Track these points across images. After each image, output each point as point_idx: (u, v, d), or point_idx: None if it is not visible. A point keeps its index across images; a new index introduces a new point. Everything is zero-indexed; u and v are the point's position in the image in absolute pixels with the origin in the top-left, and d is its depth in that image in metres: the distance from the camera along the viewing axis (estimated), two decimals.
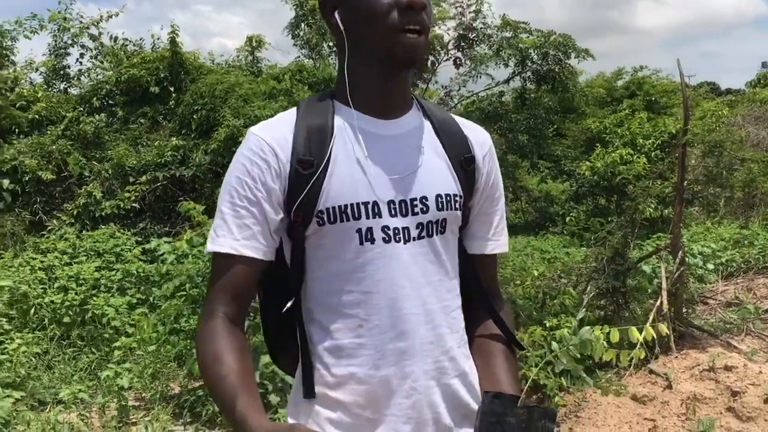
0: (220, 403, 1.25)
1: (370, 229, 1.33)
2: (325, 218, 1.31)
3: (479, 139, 1.50)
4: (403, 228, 1.35)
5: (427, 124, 1.44)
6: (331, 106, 1.39)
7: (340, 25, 1.35)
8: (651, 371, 4.95)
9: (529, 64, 13.21)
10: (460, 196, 1.43)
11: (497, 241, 1.54)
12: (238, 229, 1.32)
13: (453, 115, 1.52)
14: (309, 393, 1.37)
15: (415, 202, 1.36)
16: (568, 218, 12.18)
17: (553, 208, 14.35)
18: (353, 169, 1.33)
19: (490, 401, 1.25)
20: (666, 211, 10.43)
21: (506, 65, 13.08)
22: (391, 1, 1.29)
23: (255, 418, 1.15)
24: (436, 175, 1.40)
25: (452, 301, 1.45)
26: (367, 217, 1.32)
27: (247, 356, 1.31)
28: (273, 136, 1.34)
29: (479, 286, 1.52)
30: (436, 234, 1.40)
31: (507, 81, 13.92)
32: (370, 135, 1.36)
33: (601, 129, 15.20)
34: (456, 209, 1.42)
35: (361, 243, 1.33)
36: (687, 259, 7.34)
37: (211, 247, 1.34)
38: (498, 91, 14.14)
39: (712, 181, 5.59)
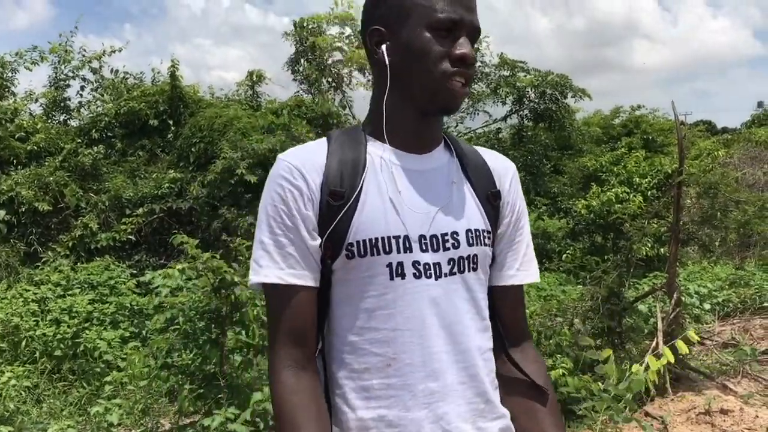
0: None
1: (400, 264, 1.29)
2: (355, 251, 1.28)
3: (503, 168, 1.48)
4: (435, 263, 1.32)
5: (455, 159, 1.43)
6: (363, 138, 1.37)
7: (386, 60, 1.33)
8: (647, 414, 4.90)
9: (526, 102, 13.34)
10: (489, 232, 1.40)
11: (527, 271, 1.48)
12: (282, 258, 1.28)
13: (476, 147, 1.51)
14: None
15: (446, 237, 1.33)
16: (564, 255, 12.17)
17: (549, 245, 14.32)
18: (384, 203, 1.30)
19: None
20: (662, 250, 10.43)
21: (504, 103, 13.22)
22: (445, 50, 1.29)
23: None
24: (465, 210, 1.38)
25: (484, 342, 1.39)
26: (398, 252, 1.29)
27: (326, 425, 1.28)
28: (302, 162, 1.31)
29: (514, 324, 1.48)
30: (469, 270, 1.37)
31: (504, 118, 14.05)
32: (402, 169, 1.35)
33: (597, 167, 15.28)
34: (485, 245, 1.39)
35: (391, 278, 1.29)
36: (683, 298, 7.33)
37: (255, 278, 1.29)
38: (495, 128, 14.25)
39: (707, 222, 5.60)
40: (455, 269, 1.34)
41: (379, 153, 1.35)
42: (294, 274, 1.27)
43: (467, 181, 1.42)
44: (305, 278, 1.28)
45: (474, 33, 1.33)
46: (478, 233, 1.37)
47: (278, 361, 1.28)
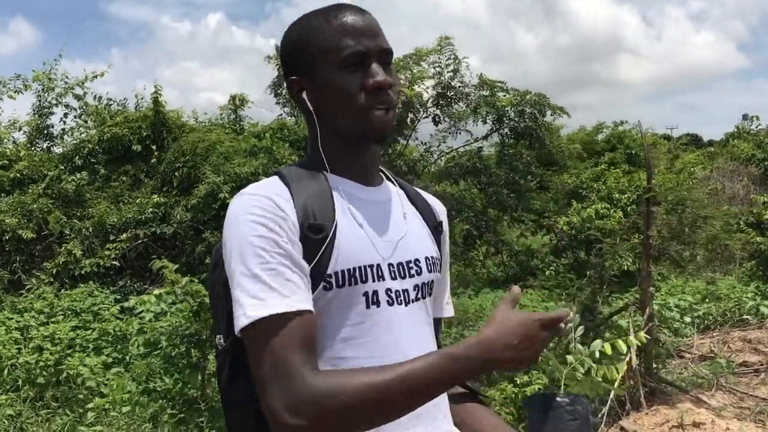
0: (414, 383, 1.18)
1: (375, 292, 1.32)
2: (334, 282, 1.27)
3: (439, 208, 1.59)
4: (403, 290, 1.36)
5: (401, 192, 1.51)
6: (319, 172, 1.38)
7: (309, 105, 1.37)
8: (622, 428, 4.98)
9: (506, 121, 13.45)
10: (439, 259, 1.49)
11: (449, 305, 1.61)
12: (281, 286, 1.19)
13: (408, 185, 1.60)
14: None
15: (410, 265, 1.39)
16: (547, 272, 12.27)
17: (533, 261, 14.43)
18: (356, 233, 1.33)
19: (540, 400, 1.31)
20: (640, 264, 10.53)
21: (484, 122, 13.31)
22: (359, 84, 1.32)
23: (459, 348, 1.21)
24: (421, 239, 1.46)
25: None
26: (373, 280, 1.32)
27: None
28: (276, 194, 1.28)
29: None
30: (428, 296, 1.44)
31: (485, 137, 14.14)
32: (361, 200, 1.38)
33: (577, 184, 15.43)
34: (438, 272, 1.47)
35: (368, 306, 1.31)
36: (664, 312, 7.43)
37: (259, 312, 1.16)
38: (477, 147, 14.35)
39: (676, 238, 5.72)
40: (419, 295, 1.41)
41: (338, 185, 1.37)
42: (300, 299, 1.21)
43: (417, 211, 1.50)
44: (310, 303, 1.23)
45: (385, 55, 1.37)
46: (434, 260, 1.46)
47: (300, 375, 1.15)
